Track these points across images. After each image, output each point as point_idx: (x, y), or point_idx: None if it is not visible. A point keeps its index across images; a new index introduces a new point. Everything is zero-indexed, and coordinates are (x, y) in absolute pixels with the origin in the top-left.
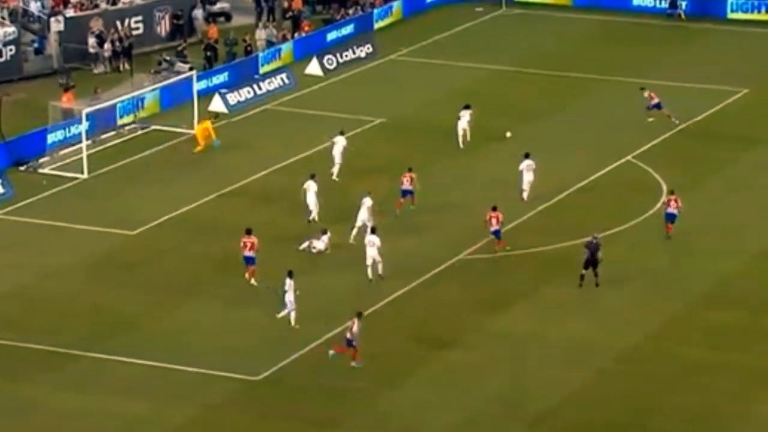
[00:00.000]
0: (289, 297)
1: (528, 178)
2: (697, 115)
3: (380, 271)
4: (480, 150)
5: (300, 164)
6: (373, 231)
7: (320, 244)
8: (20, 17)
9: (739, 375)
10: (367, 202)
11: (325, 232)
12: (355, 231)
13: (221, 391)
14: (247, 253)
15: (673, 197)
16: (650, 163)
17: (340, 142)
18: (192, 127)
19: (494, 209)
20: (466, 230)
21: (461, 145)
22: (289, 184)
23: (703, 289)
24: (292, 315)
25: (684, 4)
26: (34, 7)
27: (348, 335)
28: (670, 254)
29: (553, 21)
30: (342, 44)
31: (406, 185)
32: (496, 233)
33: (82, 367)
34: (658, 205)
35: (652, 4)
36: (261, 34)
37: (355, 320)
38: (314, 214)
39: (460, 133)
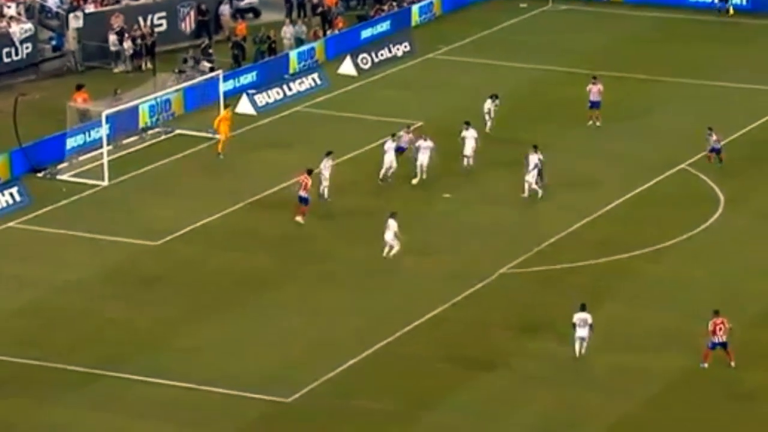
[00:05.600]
0: (388, 236)
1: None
2: (758, 119)
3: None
4: (506, 160)
5: (333, 169)
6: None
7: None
8: (37, 13)
9: None
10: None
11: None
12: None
13: (250, 414)
14: (302, 193)
15: None
16: (707, 171)
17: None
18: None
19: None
20: (502, 245)
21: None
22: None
23: (760, 308)
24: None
25: None
26: (51, 3)
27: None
28: (725, 270)
29: (603, 18)
30: (377, 42)
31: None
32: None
33: (104, 388)
34: (715, 216)
35: (709, 0)
36: (287, 32)
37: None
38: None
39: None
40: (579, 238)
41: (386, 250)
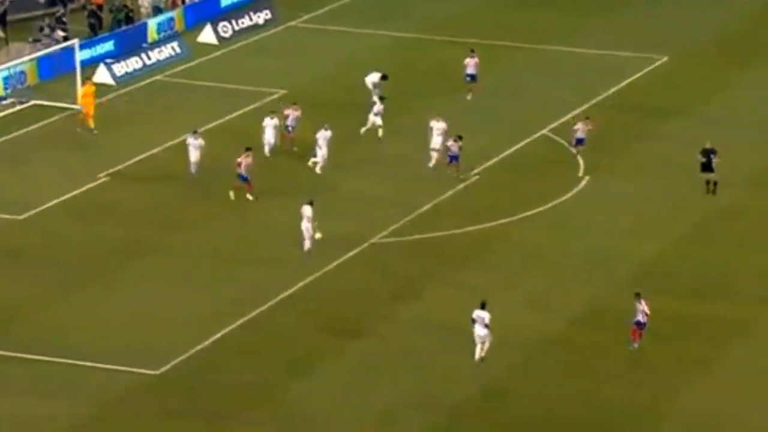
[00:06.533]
0: (305, 225)
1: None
2: (615, 84)
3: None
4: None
5: (202, 149)
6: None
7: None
8: None
9: (664, 364)
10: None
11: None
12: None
13: (118, 387)
14: (240, 170)
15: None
16: (568, 137)
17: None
18: (75, 102)
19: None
20: (374, 214)
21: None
22: (181, 163)
23: (627, 271)
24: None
25: None
26: None
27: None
28: (590, 236)
29: None
30: (238, 10)
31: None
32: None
33: None
34: (582, 184)
35: None
36: (145, 0)
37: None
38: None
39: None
40: (450, 207)
41: (306, 243)
